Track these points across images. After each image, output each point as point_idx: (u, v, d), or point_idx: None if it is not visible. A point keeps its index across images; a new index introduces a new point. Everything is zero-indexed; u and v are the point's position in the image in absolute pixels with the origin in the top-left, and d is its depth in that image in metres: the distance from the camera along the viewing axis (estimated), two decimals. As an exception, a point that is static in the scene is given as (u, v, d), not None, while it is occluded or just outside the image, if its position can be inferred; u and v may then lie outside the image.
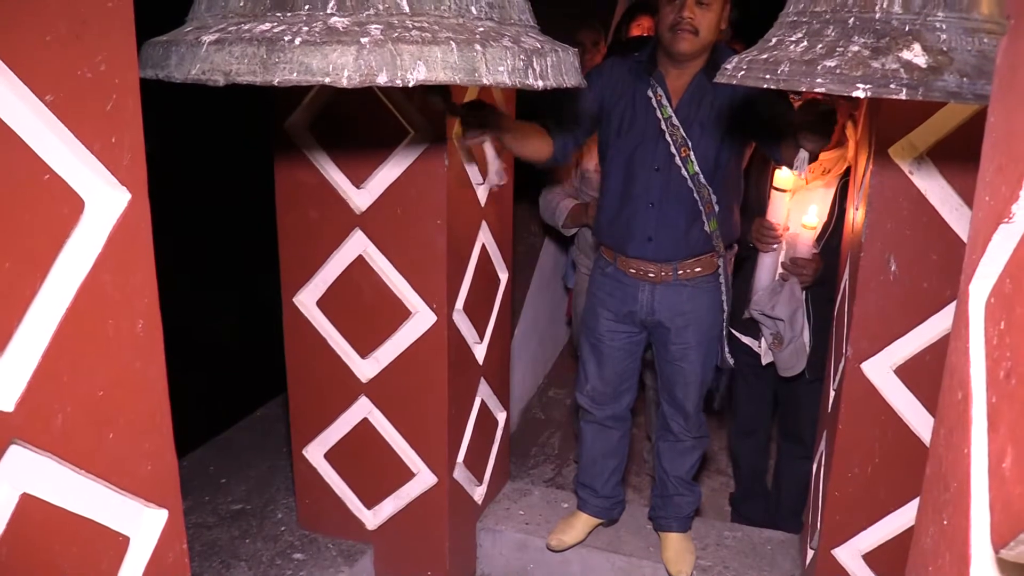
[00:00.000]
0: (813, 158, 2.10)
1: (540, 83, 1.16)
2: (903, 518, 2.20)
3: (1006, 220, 0.71)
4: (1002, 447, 0.64)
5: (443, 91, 1.85)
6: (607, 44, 3.89)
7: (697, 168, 2.32)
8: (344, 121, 2.25)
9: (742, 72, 1.33)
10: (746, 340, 2.86)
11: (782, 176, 2.59)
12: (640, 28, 3.82)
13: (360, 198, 2.28)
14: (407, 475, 2.51)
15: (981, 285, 0.77)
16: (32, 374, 0.95)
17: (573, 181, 3.32)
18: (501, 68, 1.10)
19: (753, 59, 1.32)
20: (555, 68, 1.18)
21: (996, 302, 0.72)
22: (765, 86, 1.27)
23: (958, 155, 1.93)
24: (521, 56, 1.13)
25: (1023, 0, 0.74)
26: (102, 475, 1.06)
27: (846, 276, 2.30)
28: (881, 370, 2.12)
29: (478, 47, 1.08)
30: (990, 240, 0.75)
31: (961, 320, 0.82)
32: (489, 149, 1.89)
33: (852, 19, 1.27)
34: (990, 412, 0.69)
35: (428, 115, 2.15)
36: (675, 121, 2.32)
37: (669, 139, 2.33)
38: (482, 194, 2.45)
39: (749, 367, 2.91)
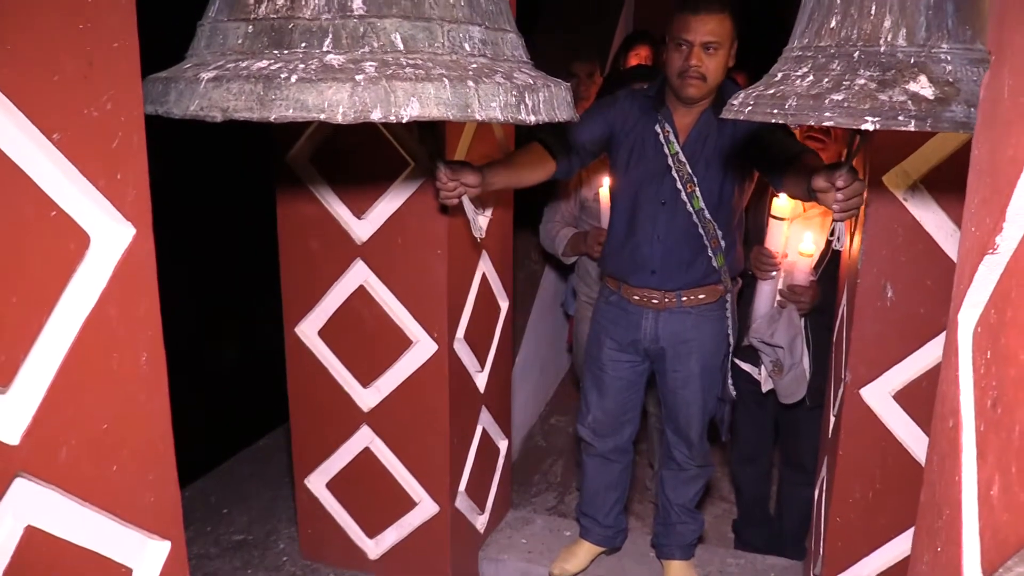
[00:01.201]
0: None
1: (532, 118, 1.18)
2: (905, 544, 2.19)
3: (991, 251, 0.72)
4: (990, 475, 0.66)
5: (434, 139, 1.85)
6: (604, 74, 3.93)
7: (702, 204, 2.34)
8: (345, 153, 2.28)
9: (749, 108, 1.34)
10: (746, 367, 2.86)
11: (780, 204, 2.61)
12: (638, 57, 3.87)
13: (361, 229, 2.30)
14: (409, 504, 2.51)
15: (969, 315, 0.78)
16: (38, 407, 0.97)
17: (572, 209, 3.34)
18: (493, 104, 1.12)
19: (760, 94, 1.34)
20: (547, 103, 1.21)
21: (982, 331, 0.73)
22: (773, 121, 1.28)
23: (952, 182, 1.95)
24: (513, 92, 1.15)
25: (1004, 35, 0.76)
26: (106, 507, 1.07)
27: (843, 302, 2.31)
28: (880, 396, 2.13)
29: (471, 83, 1.11)
30: (976, 270, 0.76)
31: (951, 349, 0.84)
32: (468, 205, 1.91)
33: (857, 53, 1.28)
34: (979, 440, 0.71)
35: (428, 147, 2.18)
36: (682, 157, 2.34)
37: (675, 175, 2.35)
38: (482, 223, 2.47)
39: (750, 394, 2.91)
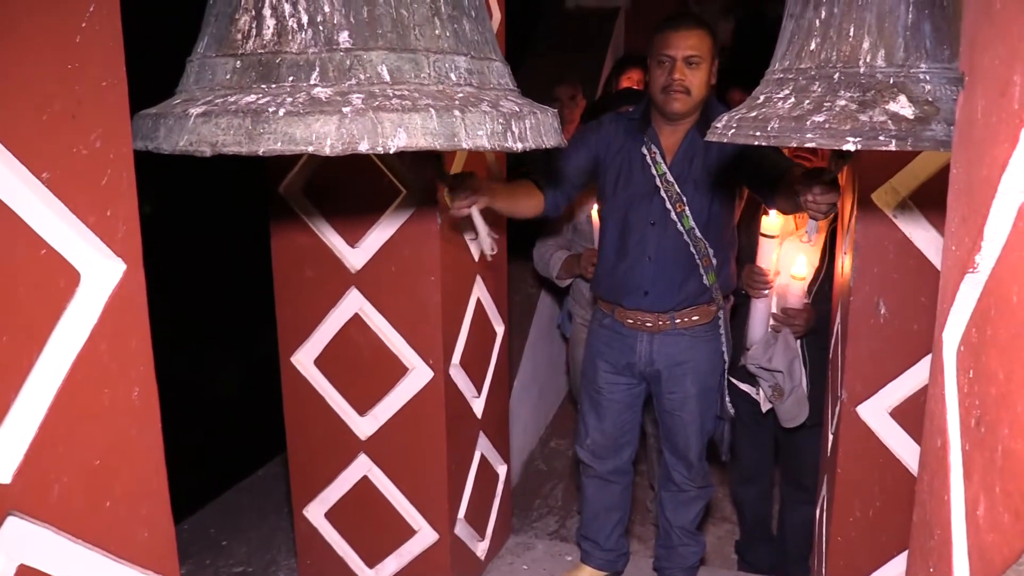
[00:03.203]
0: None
1: (519, 145, 1.18)
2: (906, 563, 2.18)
3: (971, 270, 0.73)
4: (976, 495, 0.66)
5: (437, 160, 1.86)
6: (597, 97, 3.96)
7: (692, 223, 2.36)
8: (338, 183, 2.29)
9: (732, 130, 1.35)
10: (744, 387, 2.86)
11: (769, 222, 2.61)
12: (629, 80, 3.89)
13: (355, 257, 2.31)
14: (408, 532, 2.50)
15: (952, 333, 0.79)
16: (29, 445, 0.97)
17: (566, 232, 3.36)
18: (480, 132, 1.13)
19: (743, 117, 1.35)
20: (534, 130, 1.21)
21: (965, 350, 0.73)
22: (756, 143, 1.30)
23: (940, 199, 1.94)
24: (500, 120, 1.16)
25: (976, 57, 0.77)
26: (99, 544, 1.07)
27: (838, 320, 2.31)
28: (876, 413, 2.13)
29: (457, 113, 1.11)
30: (958, 289, 0.77)
31: (936, 367, 0.84)
32: (478, 219, 1.89)
33: (837, 74, 1.29)
34: (965, 459, 0.71)
35: (419, 175, 2.19)
36: (670, 177, 2.36)
37: (664, 195, 2.36)
38: (475, 249, 2.48)
39: (749, 414, 2.90)
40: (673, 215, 2.36)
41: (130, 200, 1.09)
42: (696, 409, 2.50)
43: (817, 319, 2.63)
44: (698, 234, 2.37)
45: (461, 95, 1.16)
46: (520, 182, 2.39)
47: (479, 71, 1.23)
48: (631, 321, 2.47)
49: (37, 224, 0.97)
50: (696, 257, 2.38)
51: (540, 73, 4.53)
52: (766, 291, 2.66)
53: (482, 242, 1.89)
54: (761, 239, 2.65)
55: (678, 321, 2.44)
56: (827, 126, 1.22)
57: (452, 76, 1.18)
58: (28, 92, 0.94)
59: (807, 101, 1.28)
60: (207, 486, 3.40)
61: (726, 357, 2.53)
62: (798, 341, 2.67)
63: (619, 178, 2.42)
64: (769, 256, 2.63)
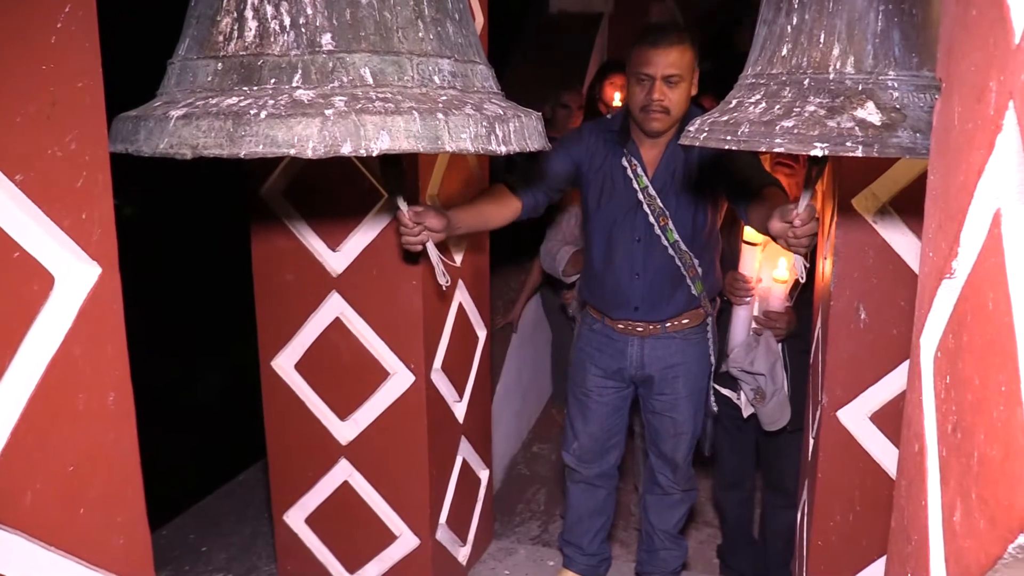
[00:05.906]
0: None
1: (503, 148, 1.18)
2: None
3: (948, 276, 0.73)
4: (952, 500, 0.66)
5: (399, 184, 1.77)
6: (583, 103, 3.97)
7: (677, 236, 2.35)
8: (319, 186, 2.28)
9: (704, 134, 1.36)
10: (726, 392, 2.86)
11: (751, 230, 2.62)
12: (613, 86, 3.90)
13: (336, 261, 2.30)
14: (389, 538, 2.48)
15: (929, 339, 0.79)
16: (1, 451, 0.95)
17: (572, 228, 3.35)
18: (464, 135, 1.13)
19: (714, 121, 1.36)
20: (518, 133, 1.21)
21: (942, 356, 0.74)
22: (726, 147, 1.31)
23: (919, 204, 1.95)
24: (483, 123, 1.16)
25: (953, 64, 0.78)
26: (73, 551, 1.05)
27: (819, 325, 2.32)
28: (856, 417, 2.13)
29: (440, 116, 1.11)
30: (935, 295, 0.77)
31: (914, 373, 0.84)
32: (432, 251, 1.83)
33: (807, 80, 1.31)
34: (941, 465, 0.71)
35: (391, 187, 2.18)
36: (652, 191, 2.34)
37: (647, 210, 2.35)
38: (457, 254, 2.48)
39: (731, 419, 2.91)
40: (657, 229, 2.35)
41: (106, 203, 1.08)
42: (686, 411, 2.51)
43: (799, 323, 2.64)
44: (683, 247, 2.36)
45: (444, 98, 1.16)
46: (491, 190, 2.33)
47: (463, 74, 1.23)
48: (622, 327, 2.47)
49: (10, 227, 0.95)
50: (682, 269, 2.38)
51: (523, 77, 4.54)
52: (748, 299, 2.67)
53: (436, 274, 1.82)
54: (743, 246, 2.66)
55: (668, 326, 2.45)
56: (796, 131, 1.23)
57: (435, 79, 1.18)
58: (1, 93, 0.93)
59: (777, 106, 1.29)
60: (187, 491, 3.37)
61: (712, 359, 2.53)
62: (780, 344, 2.68)
63: (603, 192, 2.40)
64: (751, 263, 2.64)
